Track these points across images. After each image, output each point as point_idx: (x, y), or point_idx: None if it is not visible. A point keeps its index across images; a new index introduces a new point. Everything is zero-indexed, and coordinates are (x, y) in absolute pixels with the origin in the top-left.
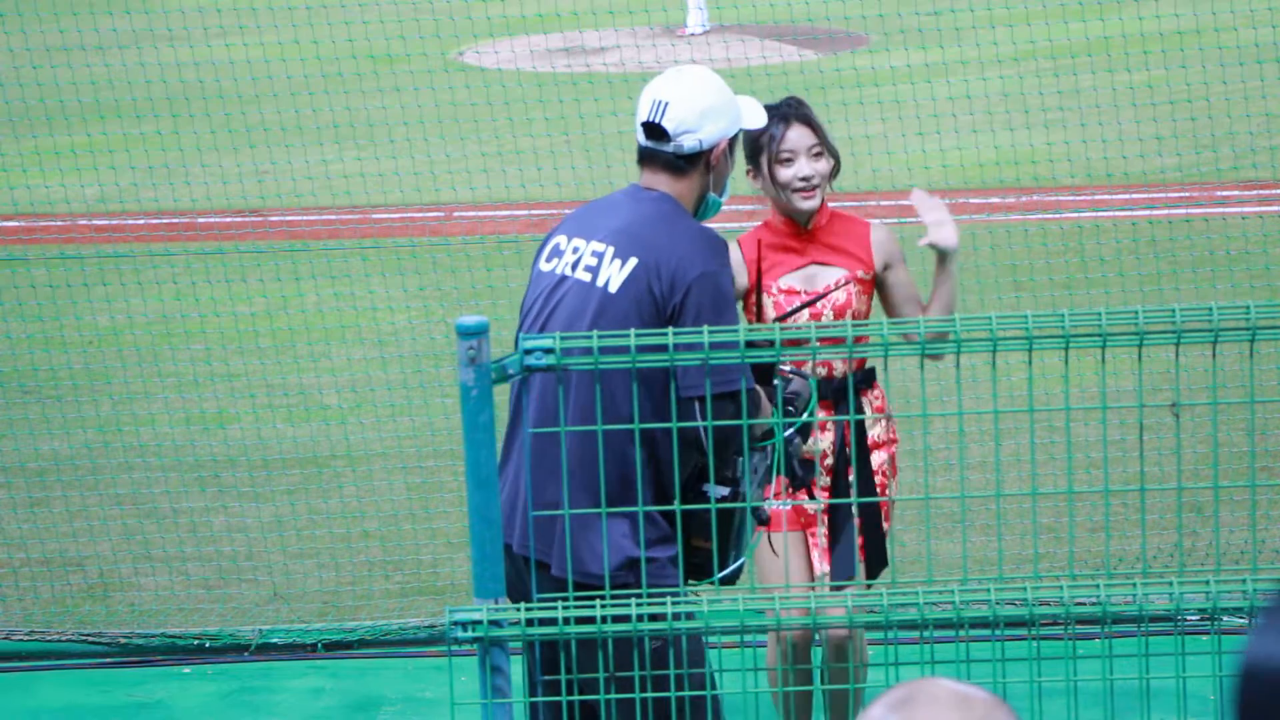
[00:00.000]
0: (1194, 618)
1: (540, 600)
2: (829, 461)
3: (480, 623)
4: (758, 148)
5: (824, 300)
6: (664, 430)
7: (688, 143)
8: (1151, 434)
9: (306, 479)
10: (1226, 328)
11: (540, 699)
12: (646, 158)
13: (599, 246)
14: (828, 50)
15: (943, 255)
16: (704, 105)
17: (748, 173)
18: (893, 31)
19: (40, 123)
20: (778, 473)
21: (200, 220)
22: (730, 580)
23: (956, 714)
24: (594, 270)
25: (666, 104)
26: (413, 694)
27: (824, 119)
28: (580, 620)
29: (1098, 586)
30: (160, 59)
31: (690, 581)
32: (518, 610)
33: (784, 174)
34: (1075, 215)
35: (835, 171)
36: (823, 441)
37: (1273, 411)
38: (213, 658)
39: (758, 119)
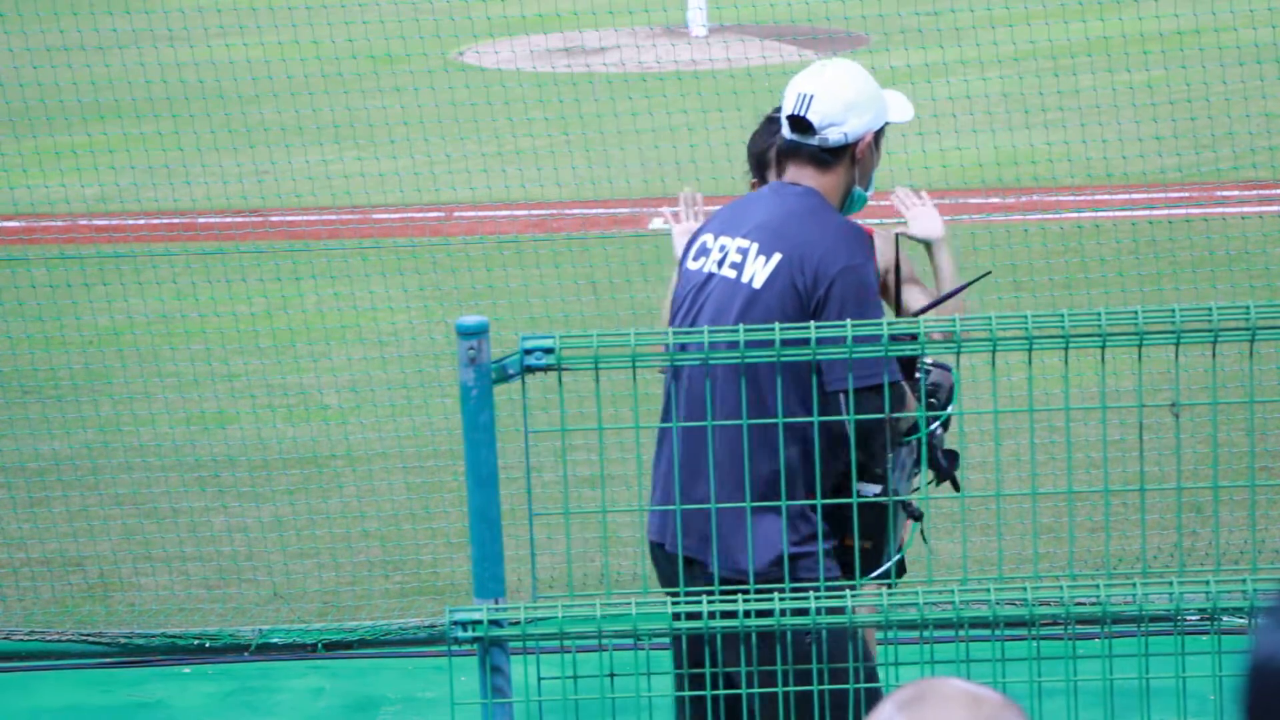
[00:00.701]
0: (1194, 618)
1: (688, 596)
2: None
3: (480, 623)
4: (764, 163)
5: None
6: (821, 426)
7: (833, 136)
8: (1151, 434)
9: (306, 479)
10: (1226, 328)
11: (695, 693)
12: (792, 152)
13: (744, 243)
14: (828, 50)
15: (927, 247)
16: (849, 98)
17: (752, 185)
18: (893, 31)
19: (40, 123)
20: (926, 466)
21: (200, 220)
22: (886, 578)
23: (967, 713)
24: (739, 267)
25: (812, 97)
26: (413, 694)
27: None
28: (725, 615)
29: (1098, 586)
30: (160, 59)
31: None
32: (517, 609)
33: None
34: (1075, 215)
35: None
36: None
37: (1273, 411)
38: (213, 658)
39: (904, 112)
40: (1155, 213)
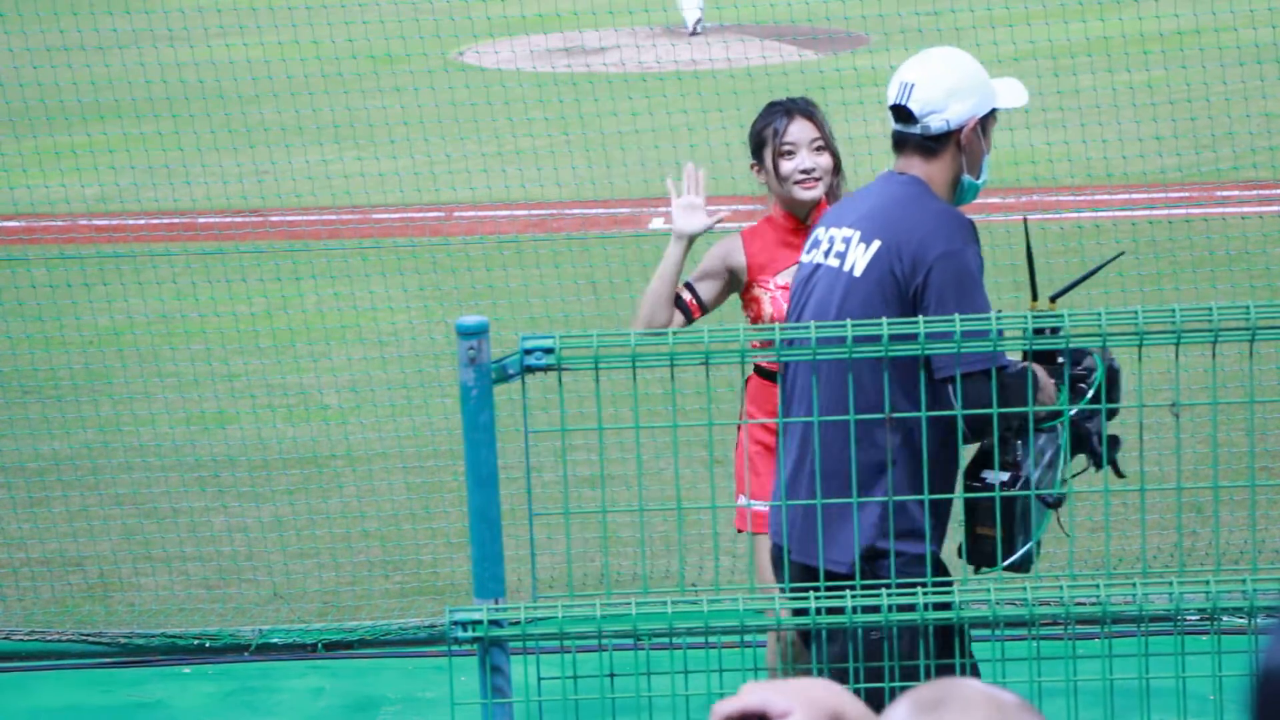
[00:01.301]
0: (1194, 618)
1: (793, 590)
2: None
3: (480, 623)
4: (761, 141)
5: None
6: (918, 416)
7: (934, 123)
8: (1151, 434)
9: (306, 479)
10: (1226, 328)
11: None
12: (898, 142)
13: (848, 232)
14: (828, 50)
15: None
16: (949, 85)
17: (752, 167)
18: (893, 31)
19: (40, 123)
20: (1078, 453)
21: (200, 220)
22: (1020, 568)
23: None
24: (842, 256)
25: (912, 86)
26: (413, 694)
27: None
28: (798, 613)
29: (1098, 586)
30: (160, 59)
31: (979, 570)
32: (517, 609)
33: (785, 166)
34: (1075, 215)
35: (838, 168)
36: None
37: (1273, 411)
38: (213, 658)
39: (1016, 98)
40: (1155, 213)
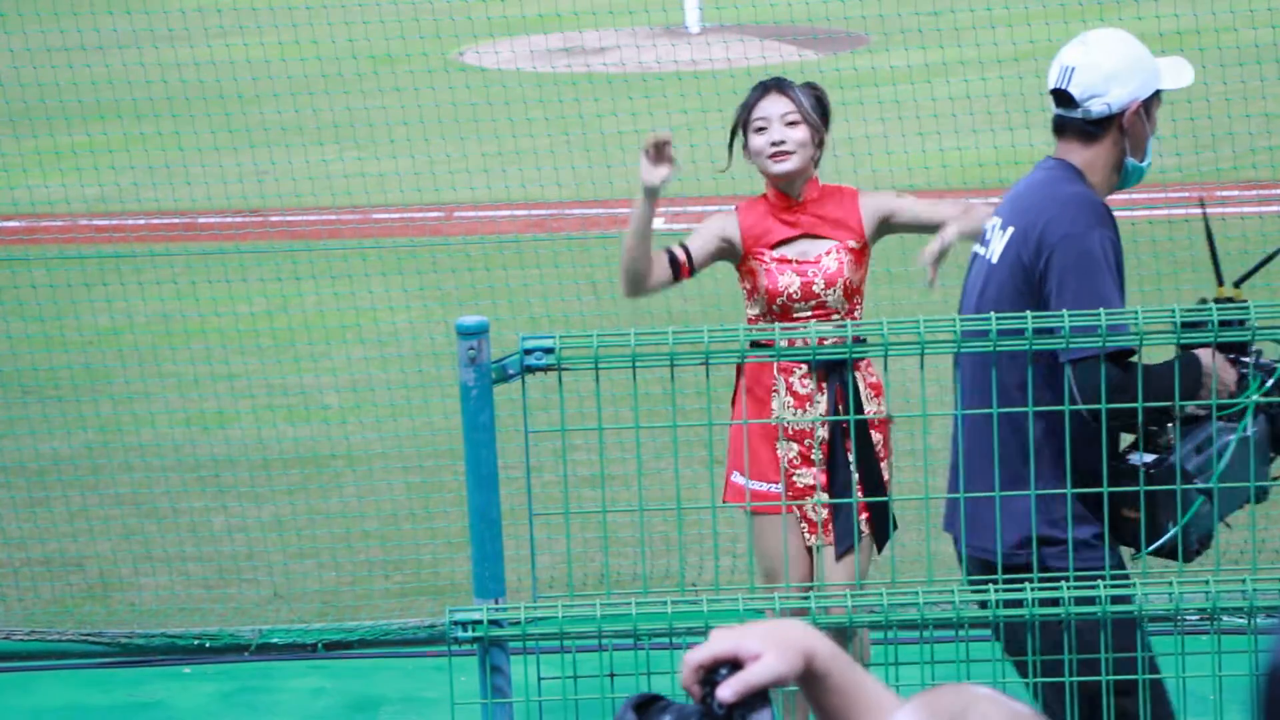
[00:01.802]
0: (1194, 618)
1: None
2: (820, 435)
3: (480, 623)
4: (740, 123)
5: (815, 269)
6: (1062, 401)
7: (1095, 107)
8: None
9: (306, 479)
10: (1225, 327)
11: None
12: (1058, 127)
13: (995, 220)
14: (828, 50)
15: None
16: (1110, 68)
17: (743, 152)
18: (893, 31)
19: (40, 123)
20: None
21: (200, 220)
22: (1167, 553)
23: None
24: (988, 243)
25: (1073, 70)
26: (413, 694)
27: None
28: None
29: (1098, 586)
30: (160, 59)
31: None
32: (517, 609)
33: (757, 141)
34: None
35: (818, 143)
36: (814, 417)
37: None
38: (213, 658)
39: (1180, 78)
40: (1155, 213)
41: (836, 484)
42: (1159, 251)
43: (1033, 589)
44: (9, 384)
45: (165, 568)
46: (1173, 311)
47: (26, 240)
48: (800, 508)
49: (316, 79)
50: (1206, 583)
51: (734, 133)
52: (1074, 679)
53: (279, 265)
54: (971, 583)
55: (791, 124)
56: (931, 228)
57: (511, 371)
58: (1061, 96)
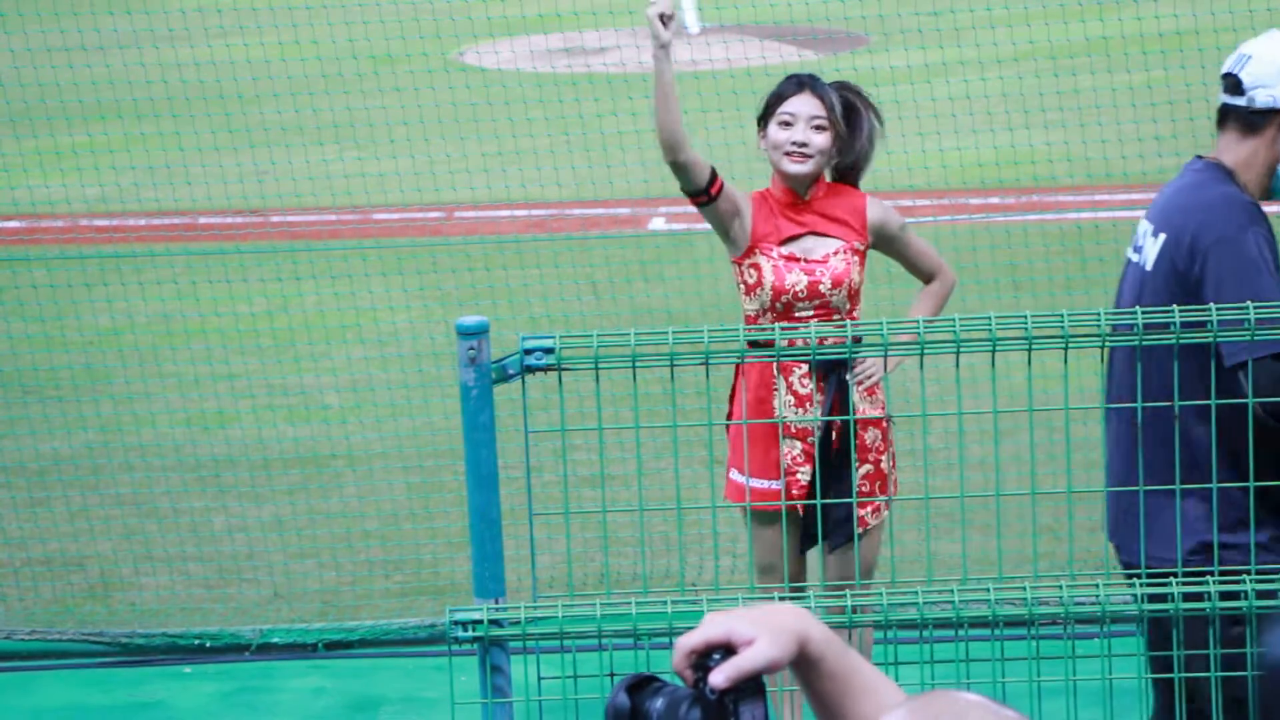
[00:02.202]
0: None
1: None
2: (815, 436)
3: (480, 623)
4: (766, 108)
5: (823, 268)
6: (1230, 406)
7: (1261, 98)
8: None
9: (306, 479)
10: (1225, 327)
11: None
12: (1222, 116)
13: (1147, 224)
14: (828, 50)
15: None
16: None
17: (758, 136)
18: (893, 31)
19: (40, 123)
20: None
21: (200, 220)
22: None
23: None
24: (1140, 249)
25: (1249, 58)
26: (413, 694)
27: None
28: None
29: (1097, 586)
30: (160, 59)
31: None
32: (517, 609)
33: (779, 135)
34: (1075, 215)
35: (838, 151)
36: (812, 414)
37: None
38: (213, 658)
39: None
40: None
41: (830, 486)
42: None
43: (1214, 581)
44: (9, 384)
45: (165, 568)
46: (1172, 311)
47: (26, 240)
48: (797, 497)
49: (316, 79)
50: (1206, 583)
51: (763, 118)
52: (1218, 674)
53: (279, 265)
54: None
55: (818, 128)
56: (914, 270)
57: (511, 371)
58: (1231, 82)
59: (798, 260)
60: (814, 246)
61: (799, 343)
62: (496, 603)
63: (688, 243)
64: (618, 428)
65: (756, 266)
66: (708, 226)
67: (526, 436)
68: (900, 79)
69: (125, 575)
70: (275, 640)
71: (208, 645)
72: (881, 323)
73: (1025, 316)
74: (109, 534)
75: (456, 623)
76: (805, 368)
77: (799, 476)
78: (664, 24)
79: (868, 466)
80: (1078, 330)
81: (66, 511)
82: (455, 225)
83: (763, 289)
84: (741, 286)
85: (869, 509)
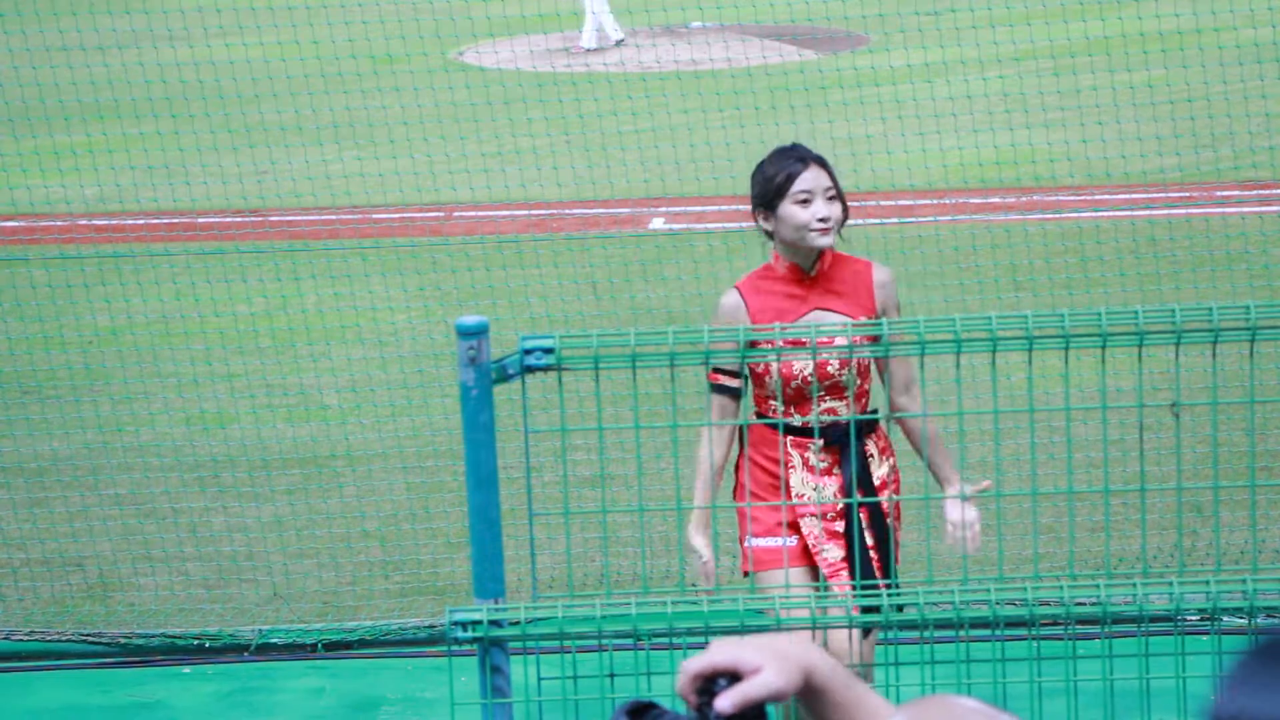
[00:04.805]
0: (1194, 618)
1: None
2: (840, 508)
3: (480, 623)
4: (775, 189)
5: (830, 351)
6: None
7: None
8: (1151, 434)
9: (306, 479)
10: (1226, 328)
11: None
12: None
13: None
14: (828, 50)
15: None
16: None
17: (754, 215)
18: (893, 31)
19: (40, 123)
20: None
21: (200, 220)
22: None
23: None
24: None
25: None
26: (413, 694)
27: (825, 120)
28: None
29: (1098, 586)
30: (160, 59)
31: None
32: (517, 609)
33: (802, 215)
34: (1075, 215)
35: (844, 220)
36: (827, 489)
37: (1273, 411)
38: (213, 658)
39: None
40: (1155, 213)
41: (851, 551)
42: (1159, 252)
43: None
44: (9, 384)
45: (165, 568)
46: (1173, 311)
47: (26, 240)
48: (829, 576)
49: (316, 79)
50: (1207, 583)
51: (769, 199)
52: None
53: (279, 265)
54: None
55: (831, 198)
56: (888, 374)
57: (511, 371)
58: None
59: (804, 345)
60: (820, 321)
61: (810, 422)
62: (496, 603)
63: (688, 243)
64: (618, 428)
65: (762, 356)
66: (708, 226)
67: (526, 436)
68: (900, 79)
69: (124, 575)
70: (275, 640)
71: (207, 645)
72: (882, 323)
73: (1026, 316)
74: (108, 534)
75: (456, 623)
76: (821, 442)
77: (825, 555)
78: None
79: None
80: (1078, 330)
81: (65, 512)
82: (455, 225)
83: (771, 378)
84: (751, 375)
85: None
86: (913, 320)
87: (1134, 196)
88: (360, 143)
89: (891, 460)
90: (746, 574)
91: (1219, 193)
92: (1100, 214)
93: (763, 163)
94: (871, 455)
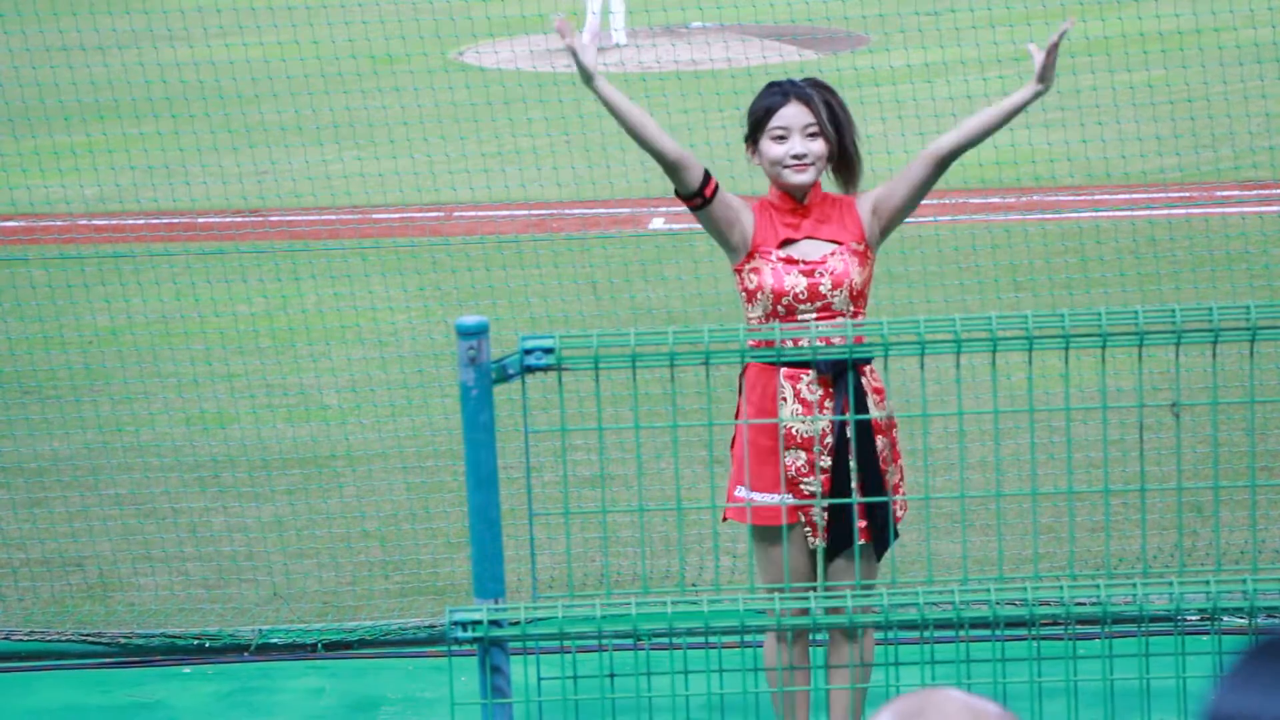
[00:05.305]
0: (1194, 618)
1: None
2: (828, 441)
3: (480, 623)
4: (755, 123)
5: (821, 269)
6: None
7: None
8: (1151, 434)
9: (306, 479)
10: (1226, 328)
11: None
12: None
13: None
14: (828, 50)
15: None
16: None
17: (746, 148)
18: (893, 31)
19: (40, 123)
20: None
21: (200, 220)
22: None
23: None
24: None
25: None
26: (413, 694)
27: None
28: None
29: (1098, 586)
30: (160, 59)
31: None
32: (517, 609)
33: (776, 150)
34: (1075, 215)
35: (833, 154)
36: (821, 421)
37: (1273, 411)
38: (213, 658)
39: None
40: (1155, 213)
41: (840, 489)
42: (1159, 252)
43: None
44: (9, 384)
45: (165, 568)
46: (1173, 311)
47: (26, 240)
48: (805, 513)
49: (316, 79)
50: (1207, 583)
51: (752, 133)
52: None
53: (279, 265)
54: None
55: (811, 135)
56: (913, 192)
57: (511, 371)
58: None
59: (795, 263)
60: (811, 249)
61: (803, 343)
62: (496, 603)
63: (688, 243)
64: (618, 428)
65: (756, 270)
66: None
67: (526, 436)
68: (900, 79)
69: (124, 575)
70: (275, 640)
71: (207, 645)
72: (882, 323)
73: (1026, 316)
74: (108, 534)
75: (456, 623)
76: (812, 374)
77: (803, 488)
78: (579, 56)
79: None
80: (1078, 330)
81: (65, 512)
82: (455, 225)
83: (763, 293)
84: (743, 294)
85: (862, 525)
86: (913, 320)
87: (1134, 196)
88: (360, 143)
89: (886, 405)
90: (726, 520)
91: (1219, 193)
92: (1100, 214)
93: (756, 96)
94: (865, 393)
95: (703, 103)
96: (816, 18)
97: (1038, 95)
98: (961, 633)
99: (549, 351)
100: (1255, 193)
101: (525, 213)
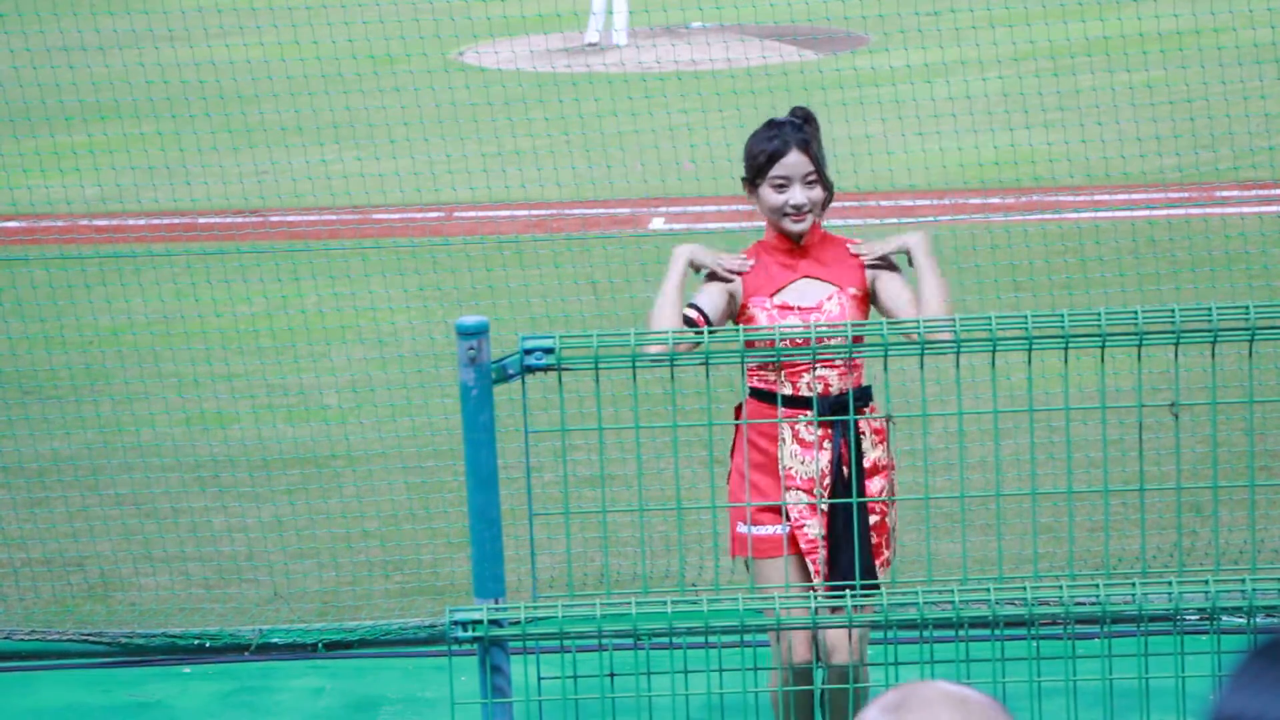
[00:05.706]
0: (1193, 617)
1: None
2: (826, 482)
3: (480, 623)
4: (756, 168)
5: (819, 315)
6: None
7: None
8: (1151, 434)
9: (306, 479)
10: (1226, 328)
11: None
12: None
13: None
14: (828, 50)
15: (909, 255)
16: None
17: (744, 184)
18: (893, 31)
19: (40, 123)
20: None
21: (200, 220)
22: None
23: (951, 716)
24: None
25: None
26: (413, 694)
27: (825, 120)
28: None
29: (1097, 586)
30: (160, 59)
31: None
32: (517, 609)
33: (777, 199)
34: (1075, 215)
35: (828, 201)
36: (822, 460)
37: (1272, 411)
38: (213, 658)
39: None
40: (1155, 213)
41: (838, 534)
42: (1159, 252)
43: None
44: (9, 384)
45: (165, 568)
46: (1173, 311)
47: (26, 240)
48: (808, 554)
49: (316, 79)
50: (1206, 583)
51: (752, 176)
52: None
53: (279, 265)
54: None
55: (810, 183)
56: (879, 307)
57: (511, 371)
58: None
59: (791, 309)
60: (807, 291)
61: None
62: (496, 603)
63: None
64: (618, 428)
65: (752, 318)
66: (708, 226)
67: (526, 436)
68: (900, 79)
69: (125, 575)
70: (275, 640)
71: (207, 645)
72: (882, 323)
73: (1025, 316)
74: (109, 534)
75: (456, 623)
76: (810, 413)
77: (806, 530)
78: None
79: (874, 517)
80: (1078, 330)
81: (66, 512)
82: (455, 225)
83: (760, 342)
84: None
85: (878, 561)
86: (913, 320)
87: (1134, 196)
88: (360, 143)
89: (885, 447)
90: (734, 557)
91: (1219, 193)
92: (1100, 214)
93: (754, 133)
94: (864, 434)
95: (703, 103)
96: (816, 18)
97: (921, 241)
98: (961, 632)
99: (549, 351)
100: (1255, 193)
101: (525, 213)
